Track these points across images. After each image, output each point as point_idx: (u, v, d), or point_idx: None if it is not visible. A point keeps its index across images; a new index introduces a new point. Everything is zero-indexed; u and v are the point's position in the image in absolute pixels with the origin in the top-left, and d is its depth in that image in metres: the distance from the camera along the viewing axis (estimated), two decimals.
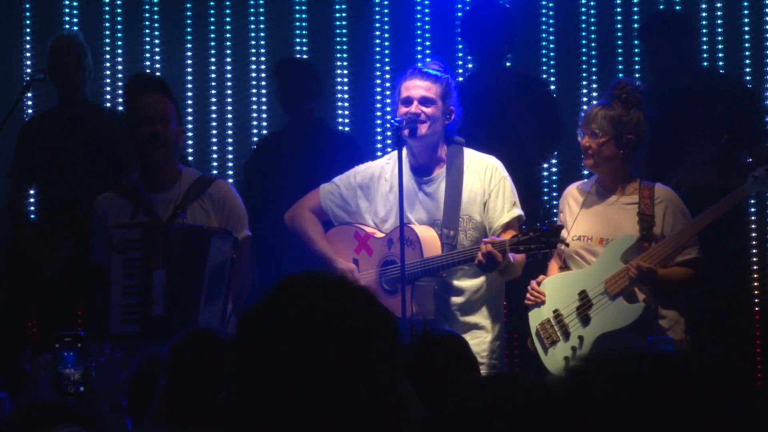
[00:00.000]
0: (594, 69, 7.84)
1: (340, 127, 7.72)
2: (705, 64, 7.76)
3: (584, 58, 7.84)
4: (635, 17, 7.79)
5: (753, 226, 7.66)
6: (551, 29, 7.85)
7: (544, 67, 7.77)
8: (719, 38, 7.79)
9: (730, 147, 6.76)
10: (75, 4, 7.86)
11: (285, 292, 2.01)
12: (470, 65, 7.61)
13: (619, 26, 7.77)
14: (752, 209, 7.66)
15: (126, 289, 5.63)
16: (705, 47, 7.79)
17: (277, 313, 1.98)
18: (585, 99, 7.76)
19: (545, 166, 7.65)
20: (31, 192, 7.23)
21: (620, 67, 7.79)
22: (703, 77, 7.26)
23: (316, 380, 1.92)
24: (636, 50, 7.79)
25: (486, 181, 5.81)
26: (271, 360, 1.94)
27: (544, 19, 7.83)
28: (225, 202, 5.83)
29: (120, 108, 7.36)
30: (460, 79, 7.38)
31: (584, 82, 7.81)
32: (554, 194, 7.75)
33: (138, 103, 5.83)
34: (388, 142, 7.25)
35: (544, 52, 7.81)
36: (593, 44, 7.85)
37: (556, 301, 5.89)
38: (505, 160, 6.05)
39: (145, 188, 5.83)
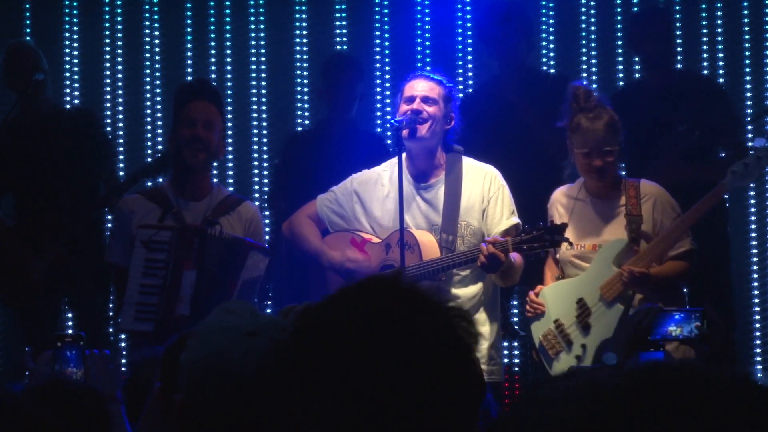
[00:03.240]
0: (594, 69, 7.83)
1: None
2: (705, 63, 7.77)
3: (584, 58, 7.84)
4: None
5: (753, 226, 7.66)
6: (551, 29, 7.85)
7: (544, 67, 7.76)
8: (719, 38, 7.78)
9: (704, 143, 6.69)
10: (75, 4, 7.87)
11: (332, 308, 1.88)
12: (470, 69, 7.59)
13: (618, 26, 7.76)
14: (752, 209, 7.66)
15: (144, 288, 5.62)
16: (705, 47, 7.79)
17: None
18: None
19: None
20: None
21: (620, 66, 7.78)
22: (674, 75, 7.07)
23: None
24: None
25: (485, 189, 5.79)
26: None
27: (544, 18, 7.83)
28: (251, 223, 5.88)
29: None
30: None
31: (584, 81, 7.80)
32: None
33: (187, 107, 5.87)
34: (388, 142, 7.24)
35: (544, 51, 7.80)
36: (593, 44, 7.85)
37: (556, 311, 5.80)
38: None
39: (175, 195, 5.84)
